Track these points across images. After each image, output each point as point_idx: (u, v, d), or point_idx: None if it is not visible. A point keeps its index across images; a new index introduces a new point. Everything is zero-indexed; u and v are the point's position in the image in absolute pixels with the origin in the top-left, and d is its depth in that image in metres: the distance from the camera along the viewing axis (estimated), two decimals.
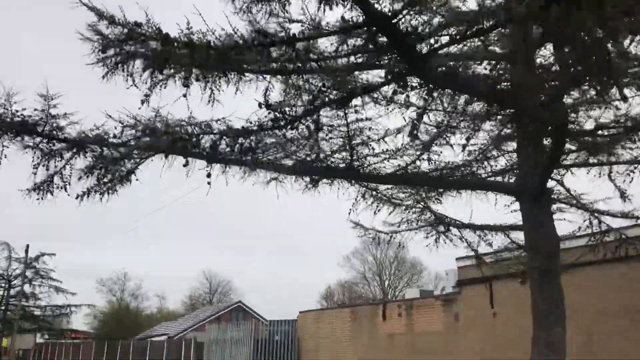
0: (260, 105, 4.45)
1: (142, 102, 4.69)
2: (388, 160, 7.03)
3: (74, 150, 6.86)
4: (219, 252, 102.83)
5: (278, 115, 4.56)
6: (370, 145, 6.74)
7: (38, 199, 7.46)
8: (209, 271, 75.96)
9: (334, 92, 4.42)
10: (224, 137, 4.85)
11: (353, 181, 7.56)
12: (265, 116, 4.66)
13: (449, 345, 16.48)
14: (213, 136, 4.90)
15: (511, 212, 7.63)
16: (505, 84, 4.40)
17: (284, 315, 24.26)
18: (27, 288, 49.44)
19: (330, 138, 6.65)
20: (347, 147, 6.80)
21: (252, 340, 22.94)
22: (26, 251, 48.92)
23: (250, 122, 4.66)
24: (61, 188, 7.34)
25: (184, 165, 5.24)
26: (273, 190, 7.76)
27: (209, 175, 5.29)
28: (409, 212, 8.91)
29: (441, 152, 6.74)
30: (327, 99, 4.51)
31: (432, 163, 6.91)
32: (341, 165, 7.22)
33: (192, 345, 26.41)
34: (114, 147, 6.38)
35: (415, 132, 6.56)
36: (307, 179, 7.61)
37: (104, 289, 73.79)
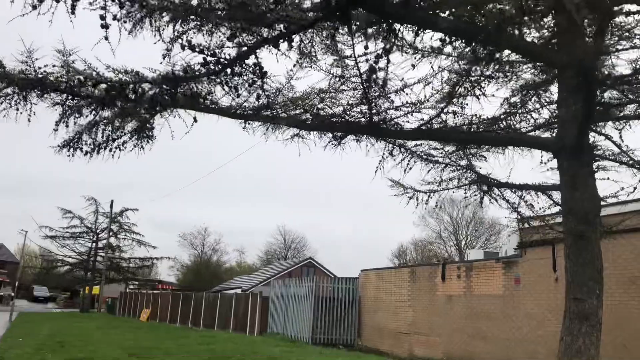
0: (183, 47, 4.08)
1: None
2: (411, 114, 6.52)
3: (95, 106, 6.83)
4: (296, 209, 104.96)
5: (208, 58, 4.16)
6: (389, 97, 6.25)
7: (68, 155, 7.57)
8: (283, 227, 77.75)
9: (265, 29, 3.94)
10: (158, 86, 4.53)
11: (378, 137, 7.12)
12: (193, 60, 4.27)
13: (508, 309, 15.80)
14: (148, 85, 4.60)
15: (548, 170, 6.91)
16: (481, 17, 3.72)
17: (355, 273, 24.20)
18: (112, 241, 52.81)
19: (344, 90, 6.23)
20: (365, 100, 6.36)
21: (314, 297, 23.13)
22: (111, 206, 51.93)
23: (178, 68, 4.31)
24: (90, 145, 7.39)
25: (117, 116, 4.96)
26: (297, 146, 7.53)
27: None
28: (446, 170, 8.35)
29: (466, 104, 6.12)
30: (258, 37, 4.04)
31: (457, 116, 6.31)
32: (361, 120, 6.80)
33: (258, 299, 27.07)
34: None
35: (374, 78, 5.72)
36: (330, 135, 7.26)
37: (186, 243, 77.40)
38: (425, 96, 6.22)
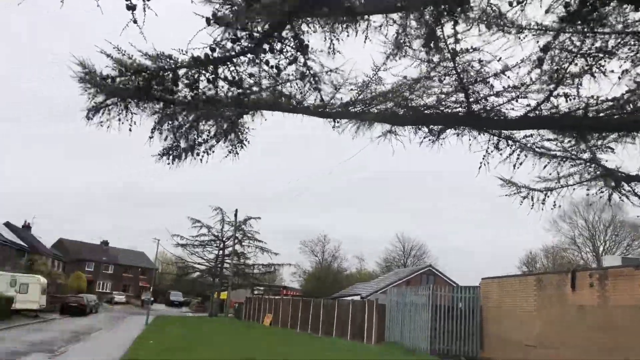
0: (208, 20, 3.63)
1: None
2: (516, 100, 5.75)
3: (186, 112, 6.82)
4: (414, 215, 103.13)
5: (238, 33, 3.69)
6: (489, 82, 5.55)
7: (168, 163, 7.64)
8: (402, 234, 76.59)
9: None
10: (193, 69, 4.15)
11: (479, 129, 6.40)
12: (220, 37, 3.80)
13: None
14: (183, 70, 4.26)
15: None
16: None
17: (477, 282, 22.91)
18: (237, 248, 55.06)
19: (434, 77, 5.64)
20: (460, 87, 5.71)
21: (431, 305, 22.19)
22: (235, 215, 54.22)
23: (212, 49, 3.86)
24: (188, 152, 7.42)
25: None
26: (390, 144, 7.04)
27: None
28: (565, 164, 7.34)
29: (580, 84, 5.24)
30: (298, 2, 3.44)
31: (571, 99, 5.44)
32: (459, 111, 6.14)
33: (374, 307, 26.58)
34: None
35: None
36: (425, 129, 6.67)
37: (307, 250, 78.97)
38: (531, 79, 5.44)
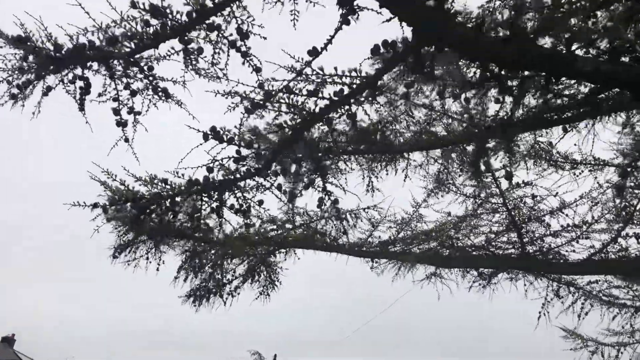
0: (206, 136, 3.16)
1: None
2: (576, 241, 5.10)
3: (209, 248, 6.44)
4: None
5: (243, 151, 3.18)
6: (544, 220, 4.96)
7: (194, 305, 7.13)
8: None
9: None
10: (189, 198, 3.67)
11: (536, 273, 5.70)
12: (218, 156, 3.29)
13: None
14: (179, 197, 3.78)
15: None
16: None
17: None
18: None
19: (481, 213, 5.12)
20: (512, 226, 5.14)
21: None
22: None
23: (209, 169, 3.35)
24: (216, 293, 6.92)
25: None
26: (435, 288, 6.40)
27: None
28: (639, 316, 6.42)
29: None
30: (304, 113, 2.97)
31: None
32: (511, 252, 5.50)
33: None
34: None
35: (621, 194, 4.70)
36: (474, 272, 6.02)
37: None
38: (592, 217, 4.84)
